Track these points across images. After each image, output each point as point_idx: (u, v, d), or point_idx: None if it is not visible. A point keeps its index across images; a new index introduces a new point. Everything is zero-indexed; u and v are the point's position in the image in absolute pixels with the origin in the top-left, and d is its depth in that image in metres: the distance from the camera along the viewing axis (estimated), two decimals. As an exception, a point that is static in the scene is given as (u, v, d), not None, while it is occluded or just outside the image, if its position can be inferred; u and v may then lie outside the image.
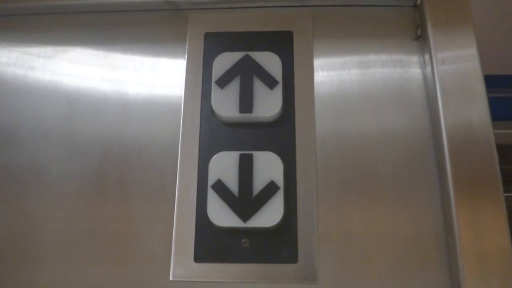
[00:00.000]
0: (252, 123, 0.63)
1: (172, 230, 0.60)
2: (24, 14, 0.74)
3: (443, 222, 0.59)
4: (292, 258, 0.58)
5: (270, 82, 0.63)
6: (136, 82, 0.68)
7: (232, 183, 0.59)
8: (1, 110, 0.68)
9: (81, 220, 0.62)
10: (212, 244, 0.59)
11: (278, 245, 0.58)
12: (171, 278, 0.58)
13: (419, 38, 0.68)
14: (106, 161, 0.64)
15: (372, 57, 0.67)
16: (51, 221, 0.62)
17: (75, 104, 0.67)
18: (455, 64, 0.63)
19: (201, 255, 0.58)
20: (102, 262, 0.60)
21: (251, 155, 0.60)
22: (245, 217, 0.57)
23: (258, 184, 0.59)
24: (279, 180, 0.59)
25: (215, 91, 0.64)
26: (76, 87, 0.69)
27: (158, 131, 0.65)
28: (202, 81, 0.66)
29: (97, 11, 0.73)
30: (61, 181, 0.63)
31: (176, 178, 0.62)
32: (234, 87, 0.63)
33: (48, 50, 0.71)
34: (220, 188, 0.59)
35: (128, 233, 0.61)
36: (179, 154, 0.63)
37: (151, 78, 0.68)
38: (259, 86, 0.63)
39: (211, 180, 0.59)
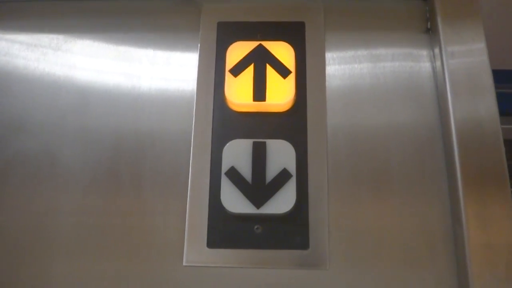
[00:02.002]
0: (265, 112, 0.64)
1: (185, 216, 0.60)
2: (34, 0, 0.73)
3: (451, 214, 0.60)
4: (303, 244, 0.59)
5: (283, 71, 0.64)
6: (148, 72, 0.68)
7: (246, 170, 0.59)
8: (11, 97, 0.68)
9: (95, 209, 0.62)
10: (225, 230, 0.59)
11: (290, 231, 0.59)
12: (184, 264, 0.59)
13: (428, 31, 0.69)
14: (119, 151, 0.64)
15: (383, 51, 0.68)
16: (64, 210, 0.62)
17: (87, 95, 0.67)
18: (464, 58, 0.64)
19: (214, 241, 0.59)
20: (115, 251, 0.60)
21: (264, 143, 0.61)
22: (258, 203, 0.58)
23: (271, 171, 0.59)
24: (292, 168, 0.59)
25: (228, 79, 0.64)
26: (87, 75, 0.69)
27: (172, 120, 0.65)
28: (215, 70, 0.66)
29: (109, -1, 0.73)
30: (74, 170, 0.64)
31: (189, 167, 0.62)
32: (247, 76, 0.64)
33: (59, 38, 0.71)
34: (234, 175, 0.59)
35: (141, 222, 0.61)
36: (192, 142, 0.63)
37: (164, 68, 0.69)
38: (272, 75, 0.64)
39: (225, 167, 0.60)
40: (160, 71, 0.68)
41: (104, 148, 0.64)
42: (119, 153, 0.64)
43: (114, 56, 0.70)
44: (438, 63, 0.65)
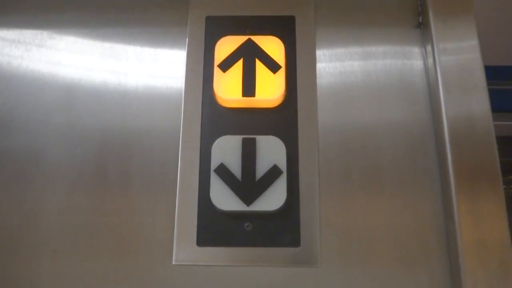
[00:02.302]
0: (255, 107, 0.63)
1: (174, 214, 0.59)
2: (18, -5, 0.72)
3: (443, 211, 0.59)
4: (294, 241, 0.58)
5: (273, 66, 0.63)
6: (135, 69, 0.67)
7: (235, 167, 0.59)
8: None
9: (82, 207, 0.61)
10: (214, 228, 0.58)
11: (281, 229, 0.58)
12: (173, 262, 0.58)
13: (420, 26, 0.68)
14: (107, 149, 0.63)
15: (374, 48, 0.67)
16: (50, 209, 0.61)
17: (73, 92, 0.66)
18: (457, 55, 0.64)
19: (203, 239, 0.58)
20: (104, 250, 0.59)
21: (254, 139, 0.60)
22: (248, 201, 0.57)
23: (261, 168, 0.58)
24: (282, 164, 0.59)
25: (217, 74, 0.63)
26: (73, 72, 0.67)
27: (159, 117, 0.64)
28: (203, 65, 0.65)
29: (94, -7, 0.71)
30: (60, 168, 0.62)
31: (178, 164, 0.61)
32: (236, 71, 0.63)
33: (44, 33, 0.70)
34: (223, 172, 0.58)
35: (130, 220, 0.60)
36: (180, 138, 0.62)
37: (151, 65, 0.67)
38: (262, 70, 0.63)
39: (214, 164, 0.59)
40: (147, 68, 0.67)
41: (90, 145, 0.63)
42: (106, 151, 0.63)
43: (100, 52, 0.68)
44: (430, 60, 0.65)
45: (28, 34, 0.70)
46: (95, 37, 0.69)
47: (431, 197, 0.60)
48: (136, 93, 0.66)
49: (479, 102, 0.61)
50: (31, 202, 0.61)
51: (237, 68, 0.63)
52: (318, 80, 0.65)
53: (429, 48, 0.65)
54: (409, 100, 0.65)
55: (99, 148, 0.63)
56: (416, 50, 0.67)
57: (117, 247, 0.59)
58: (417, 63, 0.67)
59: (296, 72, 0.65)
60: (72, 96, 0.66)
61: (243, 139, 0.60)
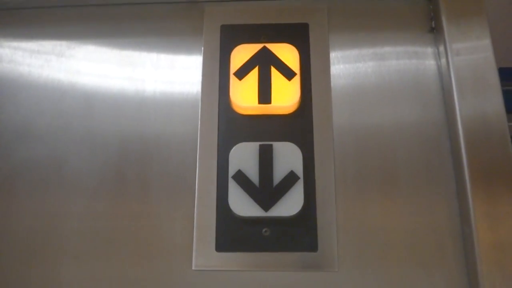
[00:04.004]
0: (271, 114, 0.63)
1: (193, 220, 0.60)
2: (36, 7, 0.74)
3: (459, 212, 0.60)
4: (312, 246, 0.58)
5: (288, 73, 0.64)
6: (153, 76, 0.68)
7: (253, 173, 0.59)
8: (17, 105, 0.68)
9: (102, 213, 0.62)
10: (233, 234, 0.59)
11: (298, 234, 0.59)
12: (193, 268, 0.59)
13: (433, 30, 0.69)
14: (126, 156, 0.64)
15: (387, 49, 0.68)
16: (72, 215, 0.62)
17: (92, 100, 0.68)
18: (470, 55, 0.64)
19: (222, 245, 0.59)
20: (124, 255, 0.60)
21: (271, 145, 0.60)
22: (266, 206, 0.58)
23: (278, 174, 0.59)
24: (299, 170, 0.59)
25: (233, 82, 0.64)
26: (92, 81, 0.69)
27: (177, 124, 0.65)
28: (219, 73, 0.66)
29: (110, 4, 0.73)
30: (81, 175, 0.64)
31: (196, 171, 0.62)
32: (252, 79, 0.64)
33: (62, 44, 0.71)
34: (241, 178, 0.59)
35: (149, 226, 0.61)
36: (198, 146, 0.63)
37: (168, 73, 0.69)
38: (277, 77, 0.64)
39: (232, 171, 0.60)
40: (164, 74, 0.68)
41: (110, 152, 0.65)
42: (126, 157, 0.64)
43: (117, 61, 0.70)
44: (443, 60, 0.65)
45: (47, 45, 0.71)
46: (112, 47, 0.71)
47: (447, 199, 0.60)
48: (154, 99, 0.67)
49: (493, 102, 0.61)
50: (53, 209, 0.63)
51: (253, 75, 0.64)
52: (332, 83, 0.66)
53: (442, 48, 0.65)
54: (423, 101, 0.65)
55: (118, 154, 0.64)
56: (429, 51, 0.67)
57: (137, 253, 0.60)
58: (430, 64, 0.67)
59: (310, 78, 0.66)
60: (91, 104, 0.67)
61: (260, 146, 0.61)
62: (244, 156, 0.60)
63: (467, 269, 0.57)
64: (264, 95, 0.63)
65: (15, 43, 0.72)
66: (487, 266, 0.55)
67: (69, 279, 0.60)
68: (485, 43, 0.64)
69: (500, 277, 0.55)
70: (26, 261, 0.61)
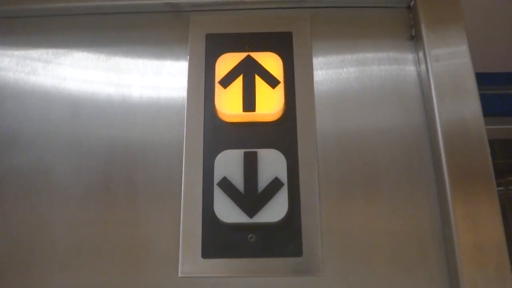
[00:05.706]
0: (255, 121, 0.65)
1: (179, 227, 0.61)
2: (24, 16, 0.74)
3: (440, 215, 0.61)
4: (297, 251, 0.59)
5: (272, 82, 0.65)
6: (139, 84, 0.69)
7: (238, 180, 0.60)
8: (3, 113, 0.68)
9: (89, 220, 0.62)
10: (219, 240, 0.60)
11: (283, 239, 0.60)
12: (179, 275, 0.59)
13: (413, 38, 0.70)
14: (112, 163, 0.65)
15: (369, 56, 0.69)
16: (59, 223, 0.62)
17: (79, 107, 0.68)
18: (448, 61, 0.66)
19: (208, 251, 0.60)
20: (110, 262, 0.60)
21: (255, 152, 0.61)
22: (251, 213, 0.59)
23: (263, 180, 0.60)
24: (283, 177, 0.60)
25: (218, 90, 0.65)
26: (79, 90, 0.69)
27: (163, 131, 0.66)
28: (204, 82, 0.67)
29: (97, 13, 0.73)
30: (68, 183, 0.64)
31: (181, 178, 0.63)
32: (237, 87, 0.65)
33: (49, 52, 0.72)
34: (226, 185, 0.60)
35: (136, 233, 0.61)
36: (184, 153, 0.64)
37: (154, 80, 0.69)
38: (261, 85, 0.65)
39: (217, 178, 0.61)
40: (150, 80, 0.69)
41: (97, 159, 0.65)
42: (112, 164, 0.65)
43: (104, 68, 0.70)
44: (423, 66, 0.67)
45: (34, 53, 0.71)
46: (99, 55, 0.71)
47: (429, 201, 0.62)
48: (140, 105, 0.67)
49: (471, 106, 0.63)
50: (40, 217, 0.63)
51: (238, 84, 0.65)
52: (315, 88, 0.67)
53: (421, 54, 0.67)
54: (404, 106, 0.66)
55: (105, 160, 0.65)
56: (409, 57, 0.69)
57: (123, 260, 0.60)
58: (411, 70, 0.68)
59: (294, 86, 0.67)
60: (77, 111, 0.68)
61: (245, 153, 0.61)
62: (229, 163, 0.61)
63: (448, 269, 0.59)
64: (249, 103, 0.64)
65: (2, 51, 0.72)
66: (468, 266, 0.56)
67: (57, 287, 0.60)
68: (463, 49, 0.66)
69: (480, 277, 0.56)
70: (13, 269, 0.61)
